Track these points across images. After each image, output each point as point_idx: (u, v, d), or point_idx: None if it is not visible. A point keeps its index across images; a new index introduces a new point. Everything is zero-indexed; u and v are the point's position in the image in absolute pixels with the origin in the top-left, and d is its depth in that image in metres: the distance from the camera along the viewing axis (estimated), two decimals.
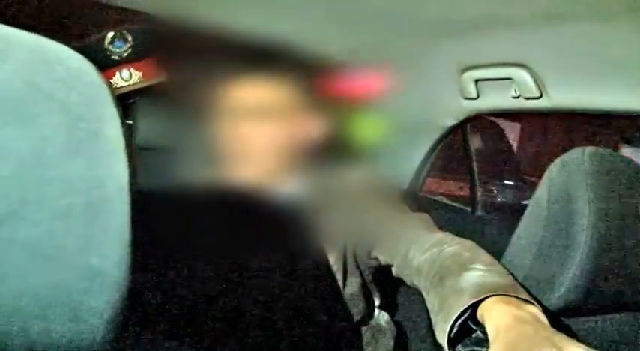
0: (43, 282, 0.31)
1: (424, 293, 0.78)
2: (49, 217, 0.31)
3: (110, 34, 1.19)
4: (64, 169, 0.32)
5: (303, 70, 0.99)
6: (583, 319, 0.78)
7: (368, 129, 1.35)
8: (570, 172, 0.75)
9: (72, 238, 0.32)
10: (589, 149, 0.76)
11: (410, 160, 1.58)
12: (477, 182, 1.62)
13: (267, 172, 0.94)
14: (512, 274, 0.77)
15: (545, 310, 0.74)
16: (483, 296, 0.64)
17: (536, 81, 1.10)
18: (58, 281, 0.32)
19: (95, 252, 0.33)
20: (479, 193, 1.59)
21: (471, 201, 1.58)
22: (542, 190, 0.79)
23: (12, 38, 0.33)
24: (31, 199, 0.31)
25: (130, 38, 1.19)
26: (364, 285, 1.02)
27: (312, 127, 0.97)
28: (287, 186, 0.95)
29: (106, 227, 0.33)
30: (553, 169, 0.79)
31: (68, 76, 0.33)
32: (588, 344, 0.54)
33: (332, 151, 1.00)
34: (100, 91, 0.35)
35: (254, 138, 0.93)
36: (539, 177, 0.81)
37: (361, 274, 1.01)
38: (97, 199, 0.33)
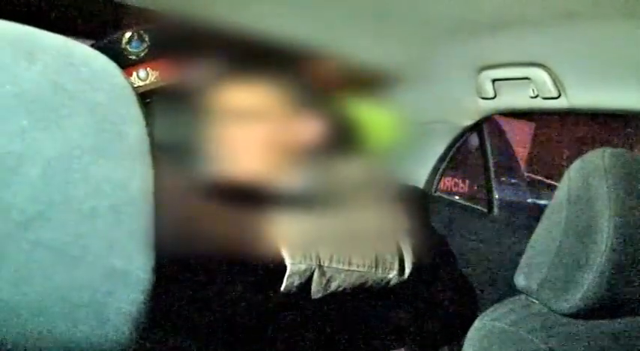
0: (69, 283, 0.31)
1: None
2: (75, 219, 0.31)
3: (127, 34, 1.20)
4: (89, 170, 0.32)
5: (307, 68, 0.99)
6: (602, 321, 0.77)
7: (382, 127, 1.35)
8: (590, 174, 0.74)
9: (97, 239, 0.32)
10: (609, 150, 0.75)
11: (425, 160, 1.57)
12: (493, 182, 1.61)
13: (268, 169, 0.93)
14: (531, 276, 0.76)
15: (565, 313, 0.74)
16: None
17: (554, 81, 1.09)
18: (83, 282, 0.32)
19: (120, 253, 0.33)
20: (495, 192, 1.58)
21: (487, 201, 1.57)
22: (561, 192, 0.78)
23: (38, 40, 0.33)
24: (57, 201, 0.31)
25: (147, 38, 1.19)
26: None
27: (314, 127, 0.96)
28: (288, 181, 0.94)
29: (131, 229, 0.33)
30: (572, 170, 0.78)
31: (94, 78, 0.34)
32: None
33: (336, 146, 0.99)
34: (125, 92, 0.35)
35: (256, 137, 0.93)
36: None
37: None
38: (121, 200, 0.33)
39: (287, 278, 0.78)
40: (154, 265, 0.34)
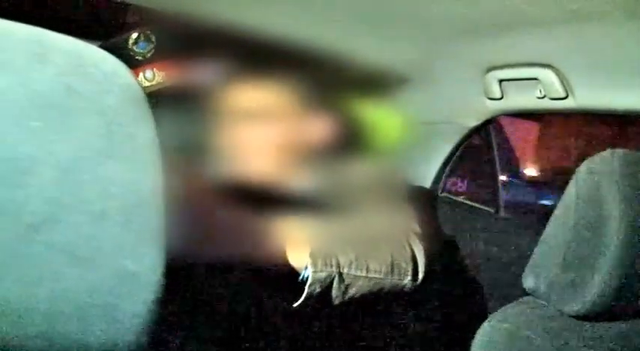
0: (80, 285, 0.31)
1: None
2: (86, 221, 0.31)
3: (134, 35, 1.19)
4: (100, 172, 0.32)
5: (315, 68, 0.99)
6: (611, 324, 0.77)
7: (389, 128, 1.34)
8: (599, 175, 0.74)
9: (107, 241, 0.32)
10: (619, 151, 0.74)
11: (432, 161, 1.57)
12: (500, 183, 1.60)
13: (277, 170, 0.93)
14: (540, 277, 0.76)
15: (574, 315, 0.74)
16: None
17: (562, 81, 1.08)
18: (94, 284, 0.32)
19: (130, 255, 0.33)
20: (501, 193, 1.57)
21: (494, 201, 1.57)
22: (570, 193, 0.78)
23: (49, 42, 0.33)
24: (68, 203, 0.31)
25: (153, 38, 1.19)
26: None
27: (322, 127, 0.95)
28: (298, 181, 0.94)
29: (141, 230, 0.33)
30: (581, 172, 0.78)
31: (104, 79, 0.34)
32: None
33: (345, 147, 0.99)
34: (135, 94, 0.35)
35: (265, 138, 0.93)
36: None
37: None
38: (132, 202, 0.33)
39: (308, 287, 0.78)
40: (165, 267, 0.34)
